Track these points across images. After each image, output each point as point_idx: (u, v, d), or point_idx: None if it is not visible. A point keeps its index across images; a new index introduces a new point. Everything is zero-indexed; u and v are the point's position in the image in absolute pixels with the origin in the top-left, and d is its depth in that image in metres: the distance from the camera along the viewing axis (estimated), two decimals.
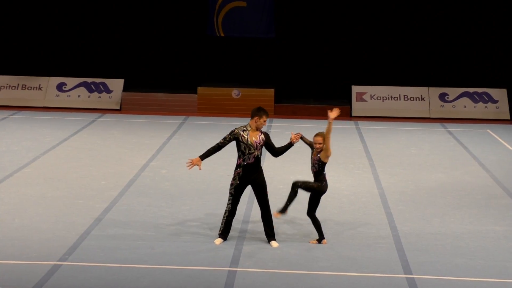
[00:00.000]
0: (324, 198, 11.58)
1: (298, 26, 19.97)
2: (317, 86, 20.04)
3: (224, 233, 9.50)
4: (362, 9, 19.80)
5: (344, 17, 19.83)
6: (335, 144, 15.62)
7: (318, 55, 19.99)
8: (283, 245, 9.43)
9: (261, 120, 9.42)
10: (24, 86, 19.67)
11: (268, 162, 13.80)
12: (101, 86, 19.66)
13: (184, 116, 18.30)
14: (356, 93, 19.49)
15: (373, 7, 19.78)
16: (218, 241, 9.41)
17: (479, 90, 19.45)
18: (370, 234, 9.92)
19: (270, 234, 9.46)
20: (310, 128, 17.40)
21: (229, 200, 9.43)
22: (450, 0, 19.63)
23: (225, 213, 9.44)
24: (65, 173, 12.60)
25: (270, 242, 9.43)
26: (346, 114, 19.07)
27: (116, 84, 19.69)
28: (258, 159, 9.41)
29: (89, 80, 19.73)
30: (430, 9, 19.68)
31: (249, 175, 9.37)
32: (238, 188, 9.41)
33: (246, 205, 11.00)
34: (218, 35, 19.76)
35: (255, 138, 9.39)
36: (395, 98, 19.43)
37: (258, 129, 9.43)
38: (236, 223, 10.02)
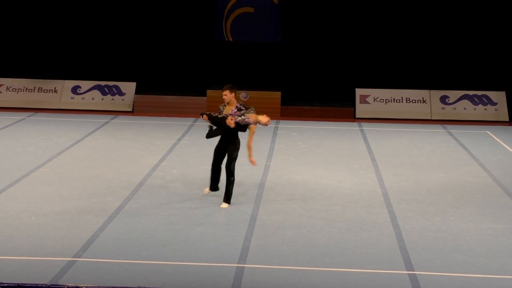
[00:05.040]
0: (328, 197, 11.59)
1: (304, 31, 19.97)
2: (322, 89, 20.02)
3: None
4: (366, 15, 19.78)
5: (348, 22, 19.81)
6: (339, 144, 15.64)
7: (323, 59, 19.98)
8: (289, 242, 9.43)
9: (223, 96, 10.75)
10: (40, 89, 19.71)
11: (274, 161, 13.79)
12: (114, 89, 19.68)
13: (194, 118, 18.30)
14: (360, 95, 19.47)
15: (376, 14, 19.76)
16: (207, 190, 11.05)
17: (479, 93, 19.40)
18: (373, 232, 9.91)
19: (225, 197, 10.82)
20: (315, 129, 17.39)
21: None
22: (451, 6, 19.60)
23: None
24: (79, 173, 12.63)
25: (222, 203, 10.80)
26: (350, 116, 19.05)
27: (129, 87, 19.71)
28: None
29: (102, 83, 19.76)
30: (431, 16, 19.65)
31: (225, 140, 10.79)
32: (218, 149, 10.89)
33: (253, 203, 11.01)
34: (226, 39, 19.76)
35: (229, 111, 10.74)
36: (398, 101, 19.40)
37: (229, 103, 10.76)
38: (244, 220, 10.04)
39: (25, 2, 20.14)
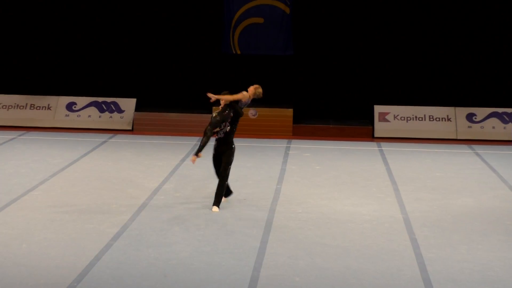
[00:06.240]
0: (344, 223, 11.57)
1: (317, 43, 20.02)
2: (338, 106, 20.04)
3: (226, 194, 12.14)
4: (385, 26, 19.82)
5: (366, 34, 19.86)
6: (356, 166, 15.63)
7: (339, 74, 20.01)
8: (302, 273, 9.40)
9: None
10: (32, 105, 19.81)
11: (286, 184, 13.78)
12: (112, 105, 19.77)
13: (199, 137, 18.29)
14: (379, 113, 19.48)
15: (396, 25, 19.80)
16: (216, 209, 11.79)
17: (509, 110, 19.39)
18: (393, 261, 9.87)
19: (215, 200, 11.82)
20: (330, 149, 17.39)
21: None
22: (478, 19, 19.63)
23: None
24: (74, 196, 12.65)
25: (213, 207, 11.80)
26: (368, 135, 19.06)
27: (128, 104, 19.79)
28: (227, 134, 11.87)
29: (100, 99, 19.85)
30: (457, 27, 19.68)
31: (220, 147, 11.83)
32: (215, 158, 11.93)
33: (263, 229, 10.99)
34: (234, 52, 19.83)
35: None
36: (420, 119, 19.40)
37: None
38: (252, 247, 10.03)
39: (16, 12, 20.28)
